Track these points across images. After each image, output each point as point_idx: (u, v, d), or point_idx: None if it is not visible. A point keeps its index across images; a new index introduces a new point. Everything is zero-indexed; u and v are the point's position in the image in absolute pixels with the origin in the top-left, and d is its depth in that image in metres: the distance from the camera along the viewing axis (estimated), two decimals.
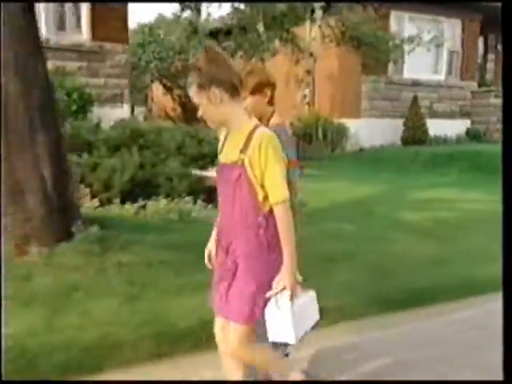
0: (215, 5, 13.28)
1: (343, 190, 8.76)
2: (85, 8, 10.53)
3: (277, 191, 2.29)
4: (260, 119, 2.56)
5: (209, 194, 6.22)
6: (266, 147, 2.25)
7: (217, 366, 2.75)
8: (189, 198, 6.04)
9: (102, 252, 4.51)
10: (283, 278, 2.30)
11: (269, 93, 2.67)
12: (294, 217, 2.36)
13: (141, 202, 6.01)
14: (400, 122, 14.13)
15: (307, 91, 13.48)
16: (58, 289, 3.99)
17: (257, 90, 2.64)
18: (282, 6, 10.85)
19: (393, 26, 13.91)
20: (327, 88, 13.76)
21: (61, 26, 10.73)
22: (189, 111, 16.00)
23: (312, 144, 12.88)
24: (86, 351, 3.39)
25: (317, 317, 2.50)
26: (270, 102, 2.68)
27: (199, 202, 6.14)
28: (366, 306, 4.23)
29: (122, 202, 6.05)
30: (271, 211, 2.32)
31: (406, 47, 12.56)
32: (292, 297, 2.28)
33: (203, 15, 12.83)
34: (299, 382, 2.64)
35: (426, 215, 7.08)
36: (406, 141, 13.95)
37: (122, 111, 10.41)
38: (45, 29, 10.66)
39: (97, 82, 10.61)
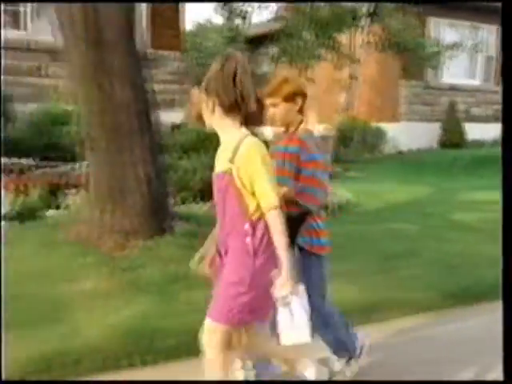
0: (255, 9, 13.64)
1: (392, 191, 9.08)
2: (144, 16, 11.01)
3: (268, 198, 2.31)
4: (288, 126, 2.85)
5: None
6: (253, 156, 2.28)
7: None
8: None
9: (197, 246, 4.90)
10: (285, 281, 2.31)
11: (300, 102, 2.82)
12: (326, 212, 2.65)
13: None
14: (437, 125, 14.40)
15: (346, 96, 13.83)
16: (162, 279, 4.40)
17: (289, 98, 2.80)
18: (327, 13, 11.18)
19: (431, 32, 14.19)
20: (366, 92, 14.06)
21: None
22: None
23: (350, 147, 13.21)
24: (194, 336, 3.79)
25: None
26: (300, 111, 2.84)
27: None
28: (441, 299, 4.54)
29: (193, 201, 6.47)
30: (259, 218, 2.37)
31: (446, 53, 12.84)
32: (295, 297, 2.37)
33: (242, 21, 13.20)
34: (300, 382, 2.80)
35: (478, 216, 7.37)
36: (444, 144, 14.22)
37: (176, 116, 10.83)
38: None
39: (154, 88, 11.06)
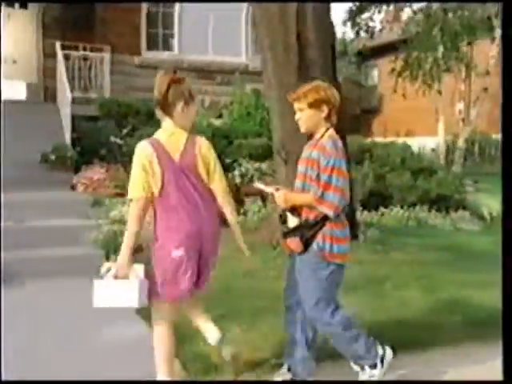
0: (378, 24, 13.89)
1: None
2: None
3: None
4: (313, 132, 2.96)
5: (432, 203, 6.87)
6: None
7: None
8: (425, 207, 6.71)
9: (385, 250, 5.29)
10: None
11: (326, 110, 2.90)
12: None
13: (372, 211, 6.78)
14: None
15: (462, 106, 13.78)
16: (366, 279, 4.80)
17: (314, 104, 2.90)
18: (458, 23, 11.23)
19: None
20: (485, 104, 13.93)
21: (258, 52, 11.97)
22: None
23: (472, 159, 13.15)
24: (412, 330, 4.11)
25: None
26: (328, 119, 2.92)
27: (433, 211, 6.81)
28: None
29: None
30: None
31: None
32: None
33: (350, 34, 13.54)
34: (301, 382, 2.98)
35: None
36: None
37: None
38: (245, 55, 11.95)
39: None
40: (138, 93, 10.38)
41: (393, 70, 12.75)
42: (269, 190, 3.08)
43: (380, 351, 3.14)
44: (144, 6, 11.44)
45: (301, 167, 3.00)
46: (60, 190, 7.45)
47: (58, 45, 10.30)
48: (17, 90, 11.16)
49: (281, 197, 2.94)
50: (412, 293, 4.56)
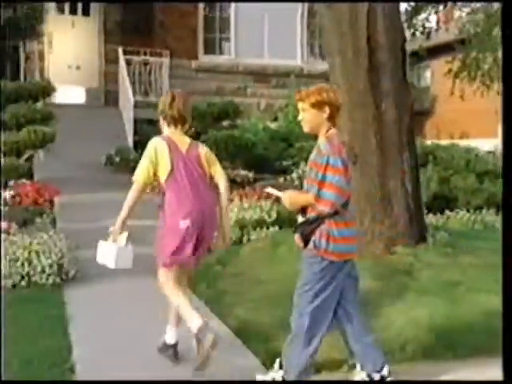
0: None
1: None
2: None
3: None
4: (316, 132, 3.11)
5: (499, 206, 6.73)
6: None
7: None
8: (491, 211, 6.60)
9: (454, 254, 5.25)
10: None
11: (328, 111, 3.04)
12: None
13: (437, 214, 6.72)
14: None
15: None
16: (437, 283, 4.77)
17: (316, 105, 3.04)
18: None
19: None
20: None
21: (313, 55, 12.04)
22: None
23: None
24: (486, 335, 4.06)
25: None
26: (329, 119, 3.06)
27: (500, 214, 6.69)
28: None
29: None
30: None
31: None
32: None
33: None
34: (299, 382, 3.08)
35: None
36: None
37: None
38: (300, 58, 12.04)
39: None
40: (195, 96, 10.57)
41: (449, 70, 12.49)
42: (276, 193, 3.23)
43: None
44: (201, 11, 11.65)
45: (308, 169, 3.16)
46: (126, 190, 7.67)
47: (120, 50, 10.60)
48: (76, 95, 11.55)
49: (286, 199, 3.10)
50: (485, 297, 4.50)
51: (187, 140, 3.57)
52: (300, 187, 7.39)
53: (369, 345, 3.22)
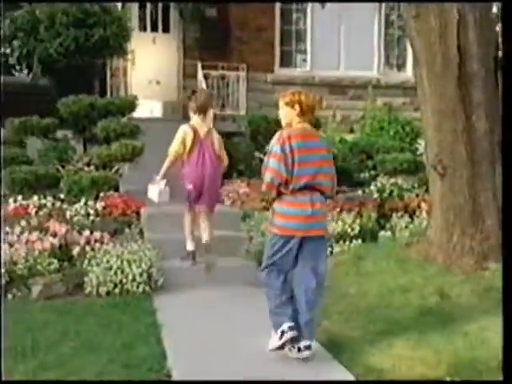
0: None
1: None
2: (410, 49, 11.45)
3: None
4: (287, 123, 3.82)
5: None
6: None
7: None
8: None
9: None
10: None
11: (298, 108, 3.75)
12: None
13: None
14: None
15: None
16: None
17: (289, 104, 3.79)
18: None
19: None
20: None
21: (389, 65, 11.91)
22: None
23: None
24: None
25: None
26: (301, 115, 3.76)
27: None
28: None
29: None
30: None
31: None
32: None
33: None
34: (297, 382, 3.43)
35: None
36: None
37: None
38: (376, 69, 11.93)
39: (419, 116, 11.39)
40: (270, 109, 10.67)
41: None
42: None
43: (284, 327, 3.64)
44: (278, 25, 11.77)
45: None
46: None
47: (198, 65, 10.87)
48: (154, 109, 11.92)
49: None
50: None
51: (205, 128, 5.52)
52: (380, 200, 7.40)
53: (296, 311, 3.71)
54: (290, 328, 3.63)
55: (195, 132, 5.37)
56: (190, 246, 5.63)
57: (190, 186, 5.41)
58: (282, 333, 3.65)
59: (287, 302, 3.74)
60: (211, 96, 6.16)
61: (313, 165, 3.69)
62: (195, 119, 5.44)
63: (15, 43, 9.19)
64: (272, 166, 3.66)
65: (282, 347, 3.70)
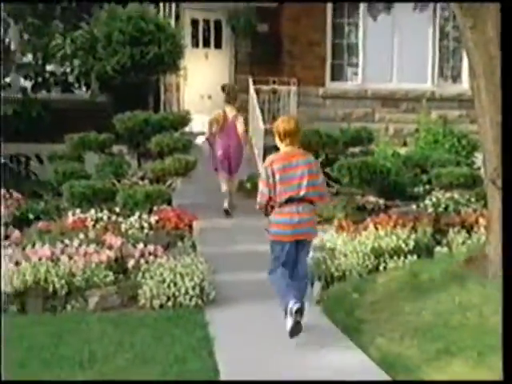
0: None
1: None
2: (465, 60, 11.21)
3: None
4: (279, 148, 4.58)
5: None
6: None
7: None
8: None
9: None
10: None
11: (277, 135, 4.52)
12: None
13: None
14: None
15: None
16: None
17: (274, 133, 4.55)
18: None
19: None
20: None
21: (443, 77, 11.70)
22: None
23: None
24: None
25: None
26: (281, 140, 4.51)
27: None
28: None
29: None
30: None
31: None
32: None
33: None
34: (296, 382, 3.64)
35: None
36: None
37: None
38: (430, 81, 11.73)
39: (475, 129, 11.11)
40: (322, 123, 10.65)
41: None
42: None
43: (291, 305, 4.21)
44: (329, 39, 11.75)
45: None
46: (256, 216, 7.84)
47: (250, 80, 10.97)
48: (205, 123, 12.09)
49: None
50: None
51: (233, 112, 8.23)
52: (436, 215, 7.21)
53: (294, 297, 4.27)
54: (295, 302, 4.19)
55: (225, 115, 8.12)
56: (226, 204, 8.07)
57: (219, 152, 8.08)
58: (290, 310, 4.18)
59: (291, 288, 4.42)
60: (236, 89, 8.69)
61: (296, 181, 4.36)
62: (226, 106, 8.28)
63: (75, 62, 9.55)
64: (260, 189, 4.50)
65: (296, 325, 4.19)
